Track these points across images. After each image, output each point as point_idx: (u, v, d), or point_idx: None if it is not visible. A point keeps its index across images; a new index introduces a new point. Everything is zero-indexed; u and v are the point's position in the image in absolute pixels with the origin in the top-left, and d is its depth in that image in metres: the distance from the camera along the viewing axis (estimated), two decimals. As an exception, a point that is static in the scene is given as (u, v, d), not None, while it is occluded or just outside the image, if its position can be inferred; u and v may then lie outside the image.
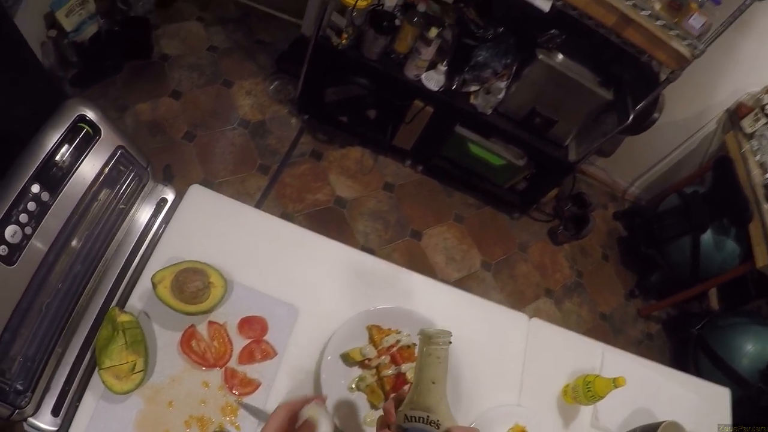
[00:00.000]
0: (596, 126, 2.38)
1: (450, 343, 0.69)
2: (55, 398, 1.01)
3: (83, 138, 1.02)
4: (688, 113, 2.73)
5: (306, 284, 1.14)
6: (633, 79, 2.24)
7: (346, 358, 1.07)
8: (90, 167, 1.03)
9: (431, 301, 1.22)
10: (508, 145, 2.49)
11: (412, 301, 1.19)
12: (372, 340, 1.09)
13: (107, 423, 0.91)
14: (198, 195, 1.17)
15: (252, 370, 1.00)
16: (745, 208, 2.33)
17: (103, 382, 0.91)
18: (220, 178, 2.38)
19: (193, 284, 0.97)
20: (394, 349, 1.08)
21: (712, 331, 2.53)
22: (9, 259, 0.89)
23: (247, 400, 0.97)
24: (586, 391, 1.13)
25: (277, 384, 1.02)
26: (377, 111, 2.50)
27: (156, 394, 0.94)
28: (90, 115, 1.02)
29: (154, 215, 1.25)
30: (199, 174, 2.34)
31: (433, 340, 0.69)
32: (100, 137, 1.05)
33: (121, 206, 1.18)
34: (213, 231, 1.13)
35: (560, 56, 2.16)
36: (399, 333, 1.10)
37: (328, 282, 1.17)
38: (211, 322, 1.02)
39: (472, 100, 2.34)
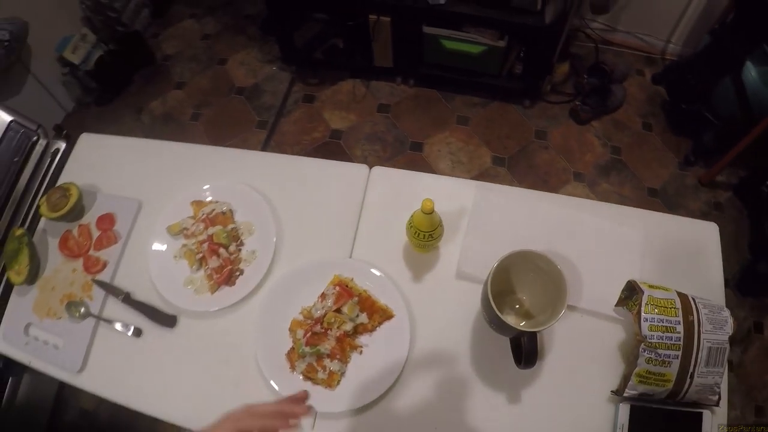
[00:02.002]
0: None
1: None
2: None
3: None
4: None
5: (151, 183, 1.28)
6: None
7: (170, 230, 1.18)
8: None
9: (262, 172, 1.26)
10: (481, 30, 2.34)
11: (239, 176, 1.25)
12: (193, 214, 1.20)
13: (17, 311, 1.17)
14: (87, 141, 1.39)
15: (103, 254, 1.20)
16: None
17: (8, 279, 1.18)
18: (226, 142, 2.58)
19: (53, 196, 1.22)
20: (206, 216, 1.17)
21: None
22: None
23: (99, 277, 1.16)
24: (414, 234, 1.00)
25: (123, 262, 1.19)
26: (343, 38, 2.52)
27: (45, 283, 1.19)
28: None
29: (51, 161, 1.50)
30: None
31: None
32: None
33: (16, 159, 1.45)
34: (93, 163, 1.34)
35: None
36: (216, 203, 1.19)
37: (167, 178, 1.28)
38: (80, 225, 1.24)
39: (420, -6, 2.26)
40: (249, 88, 2.76)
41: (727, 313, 0.95)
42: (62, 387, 2.06)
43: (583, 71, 2.61)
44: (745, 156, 2.22)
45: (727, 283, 1.90)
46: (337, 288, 1.02)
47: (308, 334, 0.99)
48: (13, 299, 1.19)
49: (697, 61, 2.29)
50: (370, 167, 1.23)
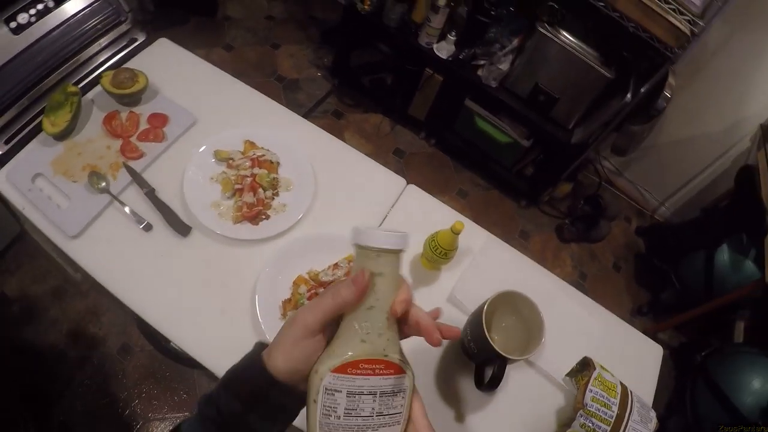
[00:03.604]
0: (602, 112, 2.37)
1: (401, 251, 0.51)
2: (11, 132, 1.47)
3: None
4: (720, 127, 2.60)
5: (210, 109, 1.37)
6: (637, 61, 2.24)
7: (217, 154, 1.26)
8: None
9: (314, 143, 1.37)
10: (514, 123, 2.55)
11: (292, 137, 1.34)
12: (244, 151, 1.28)
13: (33, 158, 1.20)
14: (164, 46, 1.49)
15: (143, 146, 1.25)
16: (761, 218, 2.14)
17: (41, 124, 1.20)
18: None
19: (121, 75, 1.28)
20: (257, 157, 1.26)
21: (717, 361, 2.26)
22: (16, 32, 1.42)
23: (132, 164, 1.22)
24: (432, 247, 1.12)
25: (159, 162, 1.26)
26: (394, 76, 2.69)
27: (74, 146, 1.22)
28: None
29: (126, 45, 1.61)
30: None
31: (369, 245, 0.50)
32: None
33: (98, 26, 1.57)
34: (163, 67, 1.41)
35: (563, 32, 2.21)
36: (268, 151, 1.28)
37: (227, 111, 1.39)
38: (131, 111, 1.30)
39: (479, 72, 2.46)
40: (289, 80, 2.90)
41: (653, 413, 1.09)
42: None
43: (581, 198, 2.83)
44: (692, 325, 2.44)
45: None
46: (351, 264, 1.12)
47: (312, 292, 1.07)
48: (34, 145, 1.21)
49: (682, 228, 2.54)
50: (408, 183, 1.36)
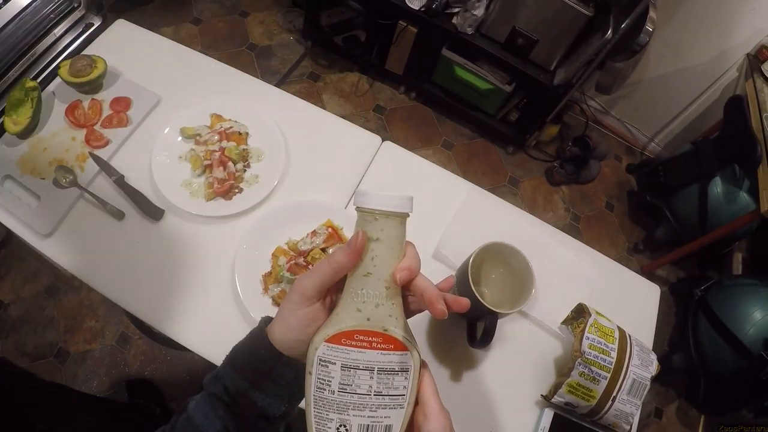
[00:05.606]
0: (584, 51, 2.30)
1: (401, 214, 0.48)
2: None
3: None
4: (706, 59, 2.54)
5: (174, 85, 1.31)
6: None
7: (183, 132, 1.21)
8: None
9: (284, 110, 1.31)
10: (494, 69, 2.48)
11: (261, 106, 1.29)
12: (211, 125, 1.23)
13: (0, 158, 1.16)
14: (122, 27, 1.41)
15: (108, 133, 1.20)
16: (752, 149, 2.09)
17: (3, 124, 1.15)
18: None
19: (78, 63, 1.22)
20: (224, 129, 1.21)
21: (716, 294, 2.26)
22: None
23: (98, 152, 1.17)
24: None
25: (126, 147, 1.21)
26: (367, 33, 2.61)
27: (38, 142, 1.18)
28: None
29: (82, 32, 1.54)
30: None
31: (365, 207, 0.48)
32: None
33: (51, 16, 1.49)
34: (122, 49, 1.35)
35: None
36: (235, 122, 1.23)
37: (192, 86, 1.32)
38: (93, 99, 1.24)
39: (454, 20, 2.38)
40: (261, 48, 2.81)
41: (653, 356, 1.07)
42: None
43: (569, 139, 2.79)
44: (688, 259, 2.43)
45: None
46: (329, 230, 1.08)
47: (291, 262, 1.04)
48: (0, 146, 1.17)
49: (673, 162, 2.50)
50: (383, 140, 1.31)
